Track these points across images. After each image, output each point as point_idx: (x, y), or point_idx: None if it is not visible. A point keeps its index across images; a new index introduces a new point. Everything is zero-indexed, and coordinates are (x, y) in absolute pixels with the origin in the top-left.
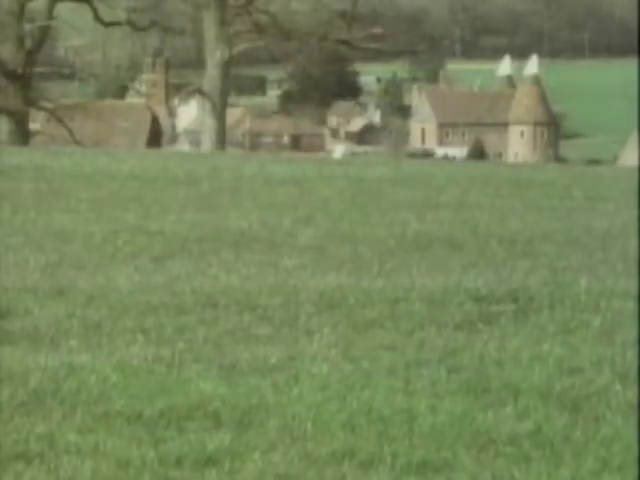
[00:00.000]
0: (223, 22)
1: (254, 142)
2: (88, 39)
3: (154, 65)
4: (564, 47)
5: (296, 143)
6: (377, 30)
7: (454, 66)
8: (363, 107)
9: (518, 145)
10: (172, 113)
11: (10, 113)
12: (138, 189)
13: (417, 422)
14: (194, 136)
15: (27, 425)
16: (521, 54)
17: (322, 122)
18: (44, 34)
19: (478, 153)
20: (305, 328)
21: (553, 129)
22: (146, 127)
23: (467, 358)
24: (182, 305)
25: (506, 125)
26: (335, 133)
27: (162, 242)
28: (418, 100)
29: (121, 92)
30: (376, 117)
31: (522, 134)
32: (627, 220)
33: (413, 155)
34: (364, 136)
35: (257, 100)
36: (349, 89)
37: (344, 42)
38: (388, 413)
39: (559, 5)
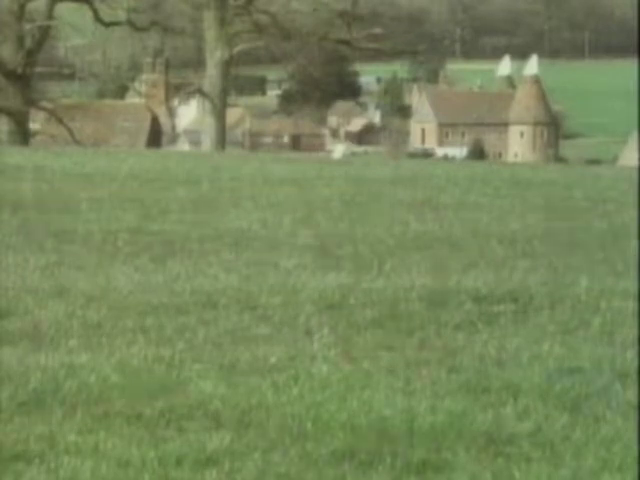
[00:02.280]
0: (223, 22)
1: (254, 142)
2: (88, 39)
3: (154, 65)
4: (564, 47)
5: (296, 143)
6: (377, 30)
7: (454, 66)
8: (363, 107)
9: (518, 145)
10: (172, 113)
11: (10, 113)
12: (138, 189)
13: (417, 422)
14: (194, 136)
15: (27, 425)
16: (521, 54)
17: (322, 122)
18: (44, 34)
19: (478, 153)
20: (305, 328)
21: (553, 129)
22: (146, 127)
23: (467, 358)
24: (182, 305)
25: (506, 125)
26: (335, 133)
27: (162, 242)
28: (418, 100)
29: (121, 92)
30: (376, 117)
31: (522, 134)
32: (627, 220)
33: (413, 155)
34: (364, 136)
35: (257, 100)
36: (349, 89)
37: (344, 42)
38: (388, 413)
39: (559, 5)
